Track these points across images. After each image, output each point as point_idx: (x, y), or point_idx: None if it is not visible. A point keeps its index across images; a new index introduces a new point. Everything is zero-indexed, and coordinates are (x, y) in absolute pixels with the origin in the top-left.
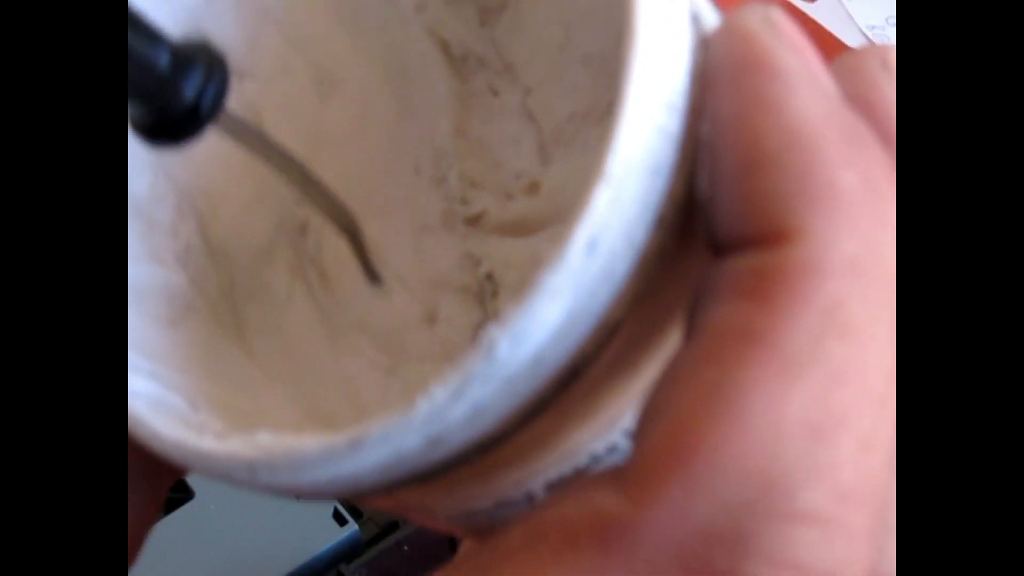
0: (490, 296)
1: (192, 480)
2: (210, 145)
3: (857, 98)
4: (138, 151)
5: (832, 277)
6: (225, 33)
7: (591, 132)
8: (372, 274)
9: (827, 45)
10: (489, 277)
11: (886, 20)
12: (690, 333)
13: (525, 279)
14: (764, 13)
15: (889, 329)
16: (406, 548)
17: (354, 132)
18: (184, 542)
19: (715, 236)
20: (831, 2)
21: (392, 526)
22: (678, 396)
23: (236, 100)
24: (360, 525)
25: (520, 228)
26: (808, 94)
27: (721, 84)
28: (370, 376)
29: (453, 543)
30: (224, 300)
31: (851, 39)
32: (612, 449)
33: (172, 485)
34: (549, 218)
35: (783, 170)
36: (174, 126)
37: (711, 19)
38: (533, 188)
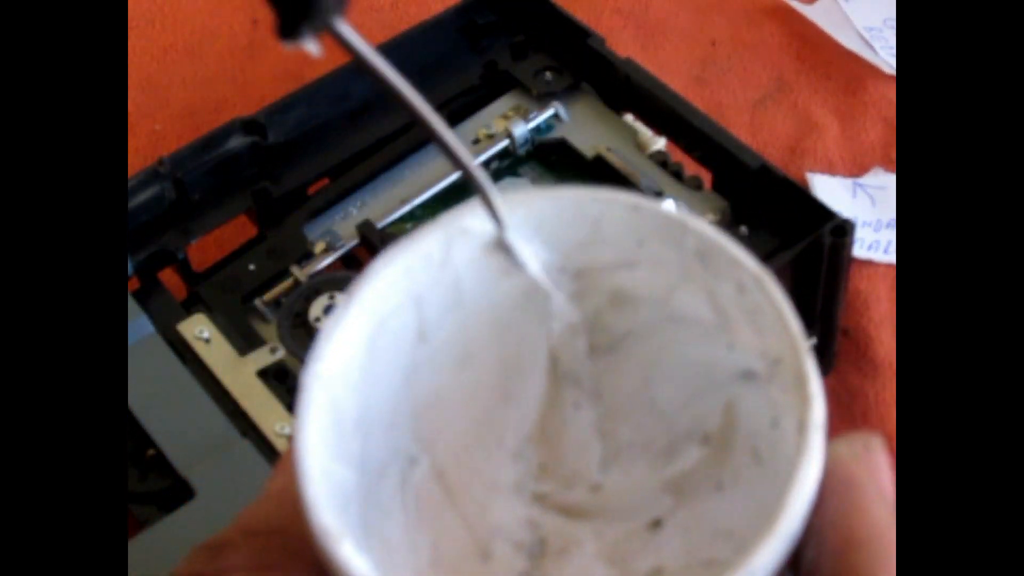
0: (539, 554)
1: (193, 480)
2: (381, 391)
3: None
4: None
5: None
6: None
7: (642, 460)
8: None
9: (824, 47)
10: (542, 541)
11: (883, 22)
12: None
13: (568, 547)
14: (854, 447)
15: None
16: None
17: (466, 399)
18: (184, 542)
19: None
20: (829, 4)
21: None
22: None
23: (411, 358)
24: None
25: (576, 513)
26: (880, 504)
27: (828, 495)
28: None
29: None
30: (356, 501)
31: (849, 41)
32: None
33: (172, 484)
34: (600, 511)
35: (868, 551)
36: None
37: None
38: (595, 488)
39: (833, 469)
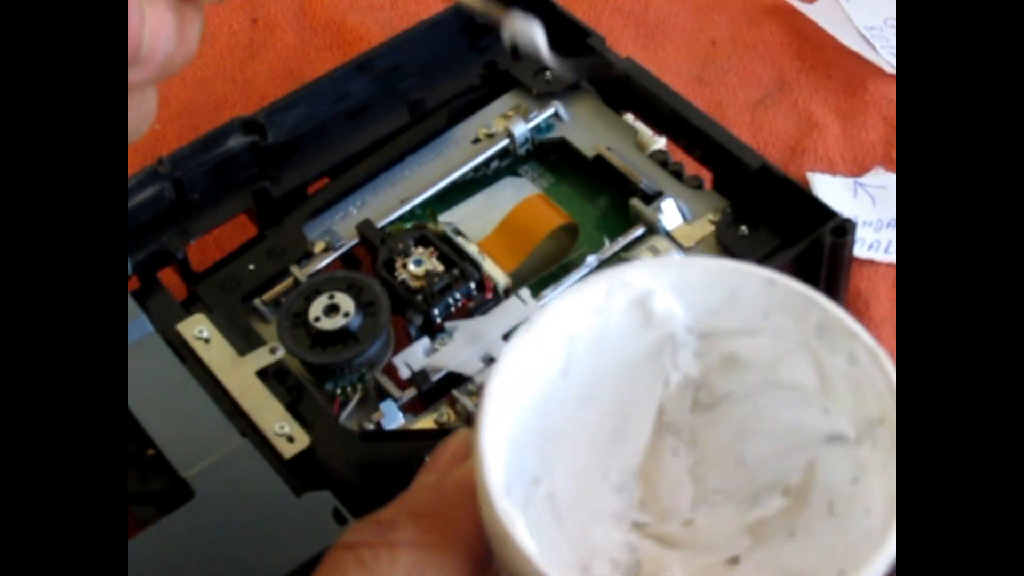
0: (634, 574)
1: (192, 480)
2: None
3: None
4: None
5: None
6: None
7: (729, 504)
8: None
9: (825, 47)
10: (638, 563)
11: (884, 21)
12: None
13: (659, 571)
14: None
15: None
16: None
17: (584, 435)
18: (184, 542)
19: None
20: (829, 3)
21: None
22: None
23: (550, 390)
24: None
25: (668, 542)
26: None
27: None
28: None
29: None
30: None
31: (849, 40)
32: None
33: (172, 484)
34: (689, 544)
35: None
36: None
37: None
38: (687, 523)
39: None
